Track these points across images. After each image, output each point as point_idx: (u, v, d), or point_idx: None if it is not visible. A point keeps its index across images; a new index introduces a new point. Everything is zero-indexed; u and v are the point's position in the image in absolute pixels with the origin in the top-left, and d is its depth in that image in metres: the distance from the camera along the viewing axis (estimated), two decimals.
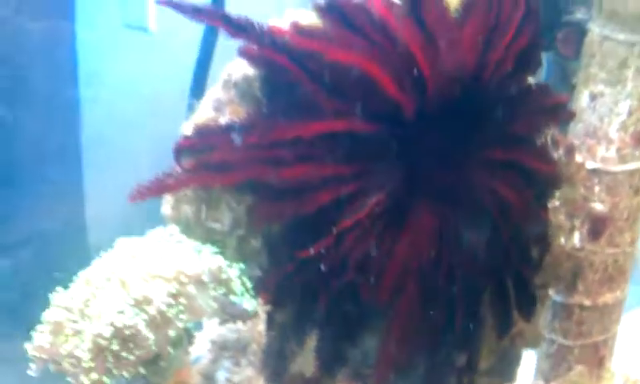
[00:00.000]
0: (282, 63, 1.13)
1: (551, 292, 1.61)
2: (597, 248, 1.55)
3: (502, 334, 1.29)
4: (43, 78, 2.01)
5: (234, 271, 1.08)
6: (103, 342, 0.96)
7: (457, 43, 1.15)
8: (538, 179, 1.26)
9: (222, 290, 1.05)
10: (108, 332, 0.96)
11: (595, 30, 1.47)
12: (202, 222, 1.23)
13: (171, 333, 1.01)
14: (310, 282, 1.15)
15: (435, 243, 1.16)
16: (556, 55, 1.72)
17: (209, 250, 1.12)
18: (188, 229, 1.20)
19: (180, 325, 1.01)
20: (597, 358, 1.66)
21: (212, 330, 1.23)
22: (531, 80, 1.28)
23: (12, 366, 1.33)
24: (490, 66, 1.16)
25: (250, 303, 1.06)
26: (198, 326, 1.21)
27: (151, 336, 0.98)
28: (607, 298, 1.61)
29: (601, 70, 1.47)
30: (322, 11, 1.19)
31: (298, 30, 1.16)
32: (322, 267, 1.12)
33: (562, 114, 1.32)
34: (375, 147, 1.14)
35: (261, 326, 1.18)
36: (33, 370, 1.06)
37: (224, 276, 1.05)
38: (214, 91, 1.21)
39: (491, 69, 1.17)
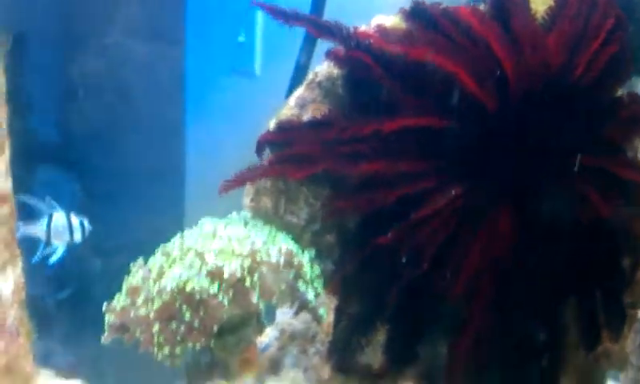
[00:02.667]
0: (366, 62, 1.13)
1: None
2: None
3: (588, 349, 1.20)
4: (149, 97, 2.07)
5: (305, 257, 1.06)
6: (172, 308, 0.95)
7: (541, 46, 1.11)
8: (630, 190, 1.17)
9: (292, 274, 1.03)
10: (177, 297, 0.95)
11: None
12: (280, 214, 1.23)
13: (242, 307, 1.00)
14: (381, 273, 1.11)
15: (514, 244, 1.10)
16: None
17: (283, 235, 1.11)
18: (266, 221, 1.20)
19: (251, 300, 0.99)
20: None
21: (282, 321, 1.21)
22: (622, 91, 1.21)
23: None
24: (577, 69, 1.11)
25: (312, 294, 1.03)
26: (269, 316, 1.19)
27: (222, 306, 0.97)
28: None
29: None
30: (407, 14, 1.19)
31: (382, 32, 1.16)
32: (396, 258, 1.08)
33: None
34: (454, 144, 1.11)
35: (330, 318, 1.15)
36: (105, 338, 1.07)
37: (296, 261, 1.03)
38: (299, 91, 1.22)
39: (578, 72, 1.12)
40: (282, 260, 1.02)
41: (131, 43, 1.99)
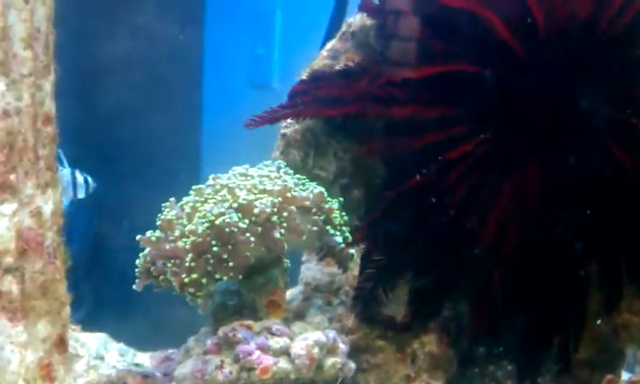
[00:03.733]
0: (399, 11, 1.15)
1: None
2: None
3: (610, 308, 1.20)
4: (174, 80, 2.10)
5: (335, 204, 1.08)
6: (204, 242, 0.97)
7: None
8: None
9: (322, 217, 1.04)
10: (209, 231, 0.97)
11: None
12: (309, 168, 1.25)
13: (271, 245, 1.01)
14: (408, 220, 1.13)
15: (541, 194, 1.12)
16: None
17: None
18: (295, 173, 1.21)
19: (280, 239, 1.01)
20: None
21: (306, 275, 1.22)
22: None
23: None
24: (604, 20, 1.12)
25: (340, 238, 1.05)
26: (292, 278, 1.21)
27: (250, 242, 0.98)
28: None
29: None
30: None
31: None
32: (423, 204, 1.10)
33: None
34: (483, 91, 1.13)
35: (354, 271, 1.16)
36: (137, 285, 1.09)
37: (326, 205, 1.05)
38: (331, 43, 1.25)
39: (603, 27, 1.13)
40: (312, 202, 1.04)
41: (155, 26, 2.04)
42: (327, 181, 1.25)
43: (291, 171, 1.15)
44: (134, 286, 1.13)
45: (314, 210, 1.06)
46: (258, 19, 2.31)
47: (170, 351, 1.25)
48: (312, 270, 1.25)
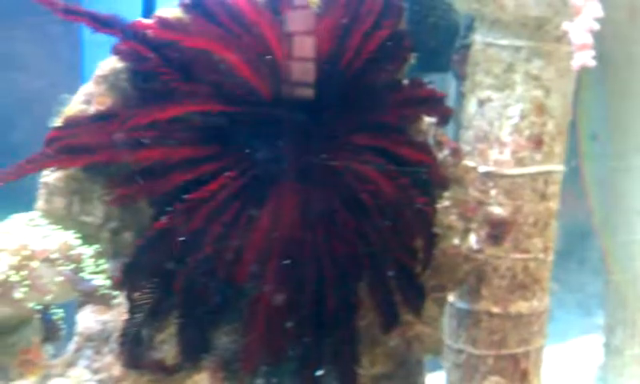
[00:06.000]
0: (143, 53, 1.16)
1: (453, 298, 1.55)
2: (500, 253, 1.52)
3: (387, 327, 1.24)
4: None
5: (86, 249, 1.06)
6: None
7: (310, 31, 1.17)
8: (416, 169, 1.25)
9: (71, 267, 1.03)
10: None
11: (478, 38, 1.48)
12: (74, 215, 1.22)
13: (12, 306, 0.99)
14: (168, 259, 1.12)
15: (299, 223, 1.15)
16: (455, 76, 1.72)
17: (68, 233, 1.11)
18: (60, 222, 1.19)
19: (21, 298, 0.99)
20: (518, 372, 1.57)
21: (81, 325, 1.20)
22: (403, 75, 1.29)
23: None
24: (348, 53, 1.17)
25: (100, 281, 1.04)
26: (68, 323, 1.19)
27: None
28: (521, 306, 1.55)
29: (487, 77, 1.48)
30: (186, 7, 1.22)
31: (160, 22, 1.19)
32: (177, 243, 1.10)
33: (435, 107, 1.32)
34: (233, 129, 1.15)
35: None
36: None
37: (73, 253, 1.04)
38: (86, 86, 1.23)
39: (348, 57, 1.18)
40: (57, 253, 1.02)
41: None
42: (95, 226, 1.23)
43: (45, 222, 1.13)
44: None
45: (60, 260, 1.04)
46: None
47: None
48: (86, 319, 1.23)
